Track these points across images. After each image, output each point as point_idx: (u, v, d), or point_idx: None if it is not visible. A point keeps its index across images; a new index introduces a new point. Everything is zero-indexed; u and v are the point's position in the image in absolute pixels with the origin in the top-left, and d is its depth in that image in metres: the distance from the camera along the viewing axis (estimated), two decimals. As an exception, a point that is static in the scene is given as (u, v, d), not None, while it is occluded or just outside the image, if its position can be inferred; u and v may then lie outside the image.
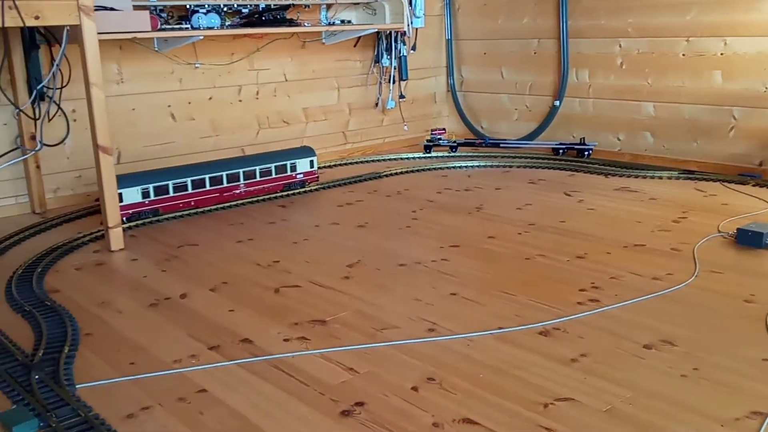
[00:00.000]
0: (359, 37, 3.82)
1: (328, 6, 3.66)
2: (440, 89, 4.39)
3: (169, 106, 3.27)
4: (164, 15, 3.01)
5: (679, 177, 3.22)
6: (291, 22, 3.33)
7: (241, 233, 2.59)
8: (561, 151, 3.75)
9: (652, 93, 3.53)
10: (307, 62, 3.72)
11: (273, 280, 2.11)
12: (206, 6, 3.06)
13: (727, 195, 2.92)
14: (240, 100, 3.51)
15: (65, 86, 2.81)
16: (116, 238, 2.42)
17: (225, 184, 2.94)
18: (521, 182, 3.25)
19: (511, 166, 3.58)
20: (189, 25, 3.04)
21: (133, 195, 2.69)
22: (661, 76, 3.48)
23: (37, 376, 1.52)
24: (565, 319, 1.77)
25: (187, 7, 3.05)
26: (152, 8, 2.94)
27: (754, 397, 1.39)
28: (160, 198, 2.76)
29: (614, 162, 3.57)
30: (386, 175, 3.45)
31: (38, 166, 2.91)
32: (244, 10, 3.24)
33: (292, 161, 3.14)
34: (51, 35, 2.78)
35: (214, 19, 3.06)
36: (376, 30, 3.75)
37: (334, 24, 3.64)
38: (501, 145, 3.96)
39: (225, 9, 3.17)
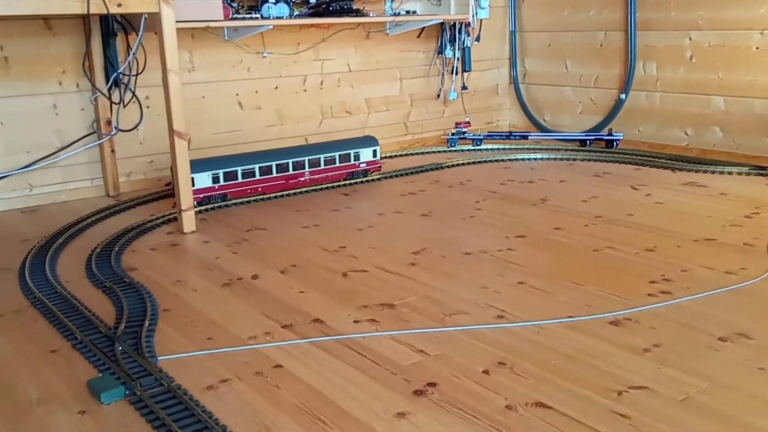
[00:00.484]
0: (423, 28, 3.84)
1: (394, -3, 3.68)
2: (502, 81, 4.37)
3: (237, 94, 3.34)
4: (235, 5, 3.08)
5: (750, 173, 3.14)
6: (357, 13, 3.36)
7: (306, 219, 2.64)
8: (588, 142, 3.77)
9: (722, 87, 3.45)
10: (370, 53, 3.75)
11: (340, 265, 2.15)
12: (276, -4, 3.11)
13: (802, 192, 2.83)
14: (305, 90, 3.56)
15: (140, 73, 2.90)
16: (189, 220, 2.49)
17: (291, 172, 2.99)
18: (586, 175, 3.22)
19: (575, 159, 3.55)
20: (259, 15, 3.10)
21: (203, 180, 2.76)
22: (732, 69, 3.40)
23: (120, 348, 1.59)
24: (636, 309, 1.76)
25: (258, -3, 3.12)
26: (224, -2, 3.01)
27: (836, 393, 1.36)
28: (229, 183, 2.83)
29: (681, 157, 3.50)
30: (448, 166, 3.46)
31: (113, 151, 3.01)
32: (311, 1, 3.28)
33: (356, 150, 3.18)
34: (128, 23, 2.87)
35: (283, 9, 3.11)
36: (441, 20, 3.75)
37: (399, 14, 3.66)
38: (529, 137, 3.92)
39: (293, -1, 3.22)
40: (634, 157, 3.53)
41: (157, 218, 2.64)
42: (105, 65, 2.91)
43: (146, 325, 1.71)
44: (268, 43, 3.38)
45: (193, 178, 2.66)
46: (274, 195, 2.96)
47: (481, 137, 3.87)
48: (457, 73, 4.04)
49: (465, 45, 3.94)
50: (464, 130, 3.88)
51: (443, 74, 4.04)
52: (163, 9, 2.30)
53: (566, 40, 4.06)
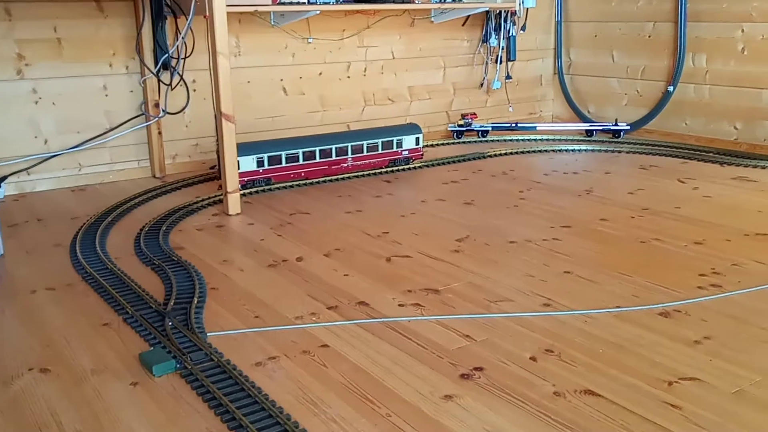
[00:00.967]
0: (468, 16, 3.81)
1: (439, -16, 3.66)
2: (547, 72, 4.32)
3: (281, 80, 3.36)
4: (282, -10, 3.09)
5: (802, 169, 3.07)
6: None
7: (349, 205, 2.65)
8: (593, 132, 3.78)
9: (775, 80, 3.37)
10: (414, 40, 3.74)
11: (384, 250, 2.15)
12: (323, -18, 3.12)
13: None
14: (348, 77, 3.57)
15: (188, 56, 2.93)
16: (234, 202, 2.52)
17: (333, 158, 3.00)
18: (632, 167, 3.17)
19: (620, 151, 3.50)
20: (306, 0, 3.10)
21: (248, 163, 2.79)
22: (786, 62, 3.31)
23: (170, 323, 1.61)
24: (686, 301, 1.73)
25: (305, -18, 3.12)
26: (272, -17, 3.02)
27: None
28: (273, 167, 2.85)
29: (730, 151, 3.43)
30: (490, 156, 3.44)
31: (160, 133, 3.06)
32: (358, -13, 3.28)
33: (399, 138, 3.17)
34: (177, 7, 2.90)
35: (330, -5, 3.12)
36: (486, 9, 3.72)
37: (444, 2, 3.64)
38: (537, 128, 3.87)
39: (340, -15, 3.22)
40: (681, 150, 3.47)
41: (203, 200, 2.67)
42: (154, 48, 2.95)
43: (195, 302, 1.73)
44: (314, 29, 3.39)
45: (238, 161, 2.68)
46: (316, 180, 2.97)
47: (488, 129, 3.81)
48: (501, 63, 4.00)
49: (510, 34, 3.90)
50: (470, 120, 3.81)
51: (487, 63, 4.01)
52: (214, -8, 2.32)
53: (614, 30, 4.00)
